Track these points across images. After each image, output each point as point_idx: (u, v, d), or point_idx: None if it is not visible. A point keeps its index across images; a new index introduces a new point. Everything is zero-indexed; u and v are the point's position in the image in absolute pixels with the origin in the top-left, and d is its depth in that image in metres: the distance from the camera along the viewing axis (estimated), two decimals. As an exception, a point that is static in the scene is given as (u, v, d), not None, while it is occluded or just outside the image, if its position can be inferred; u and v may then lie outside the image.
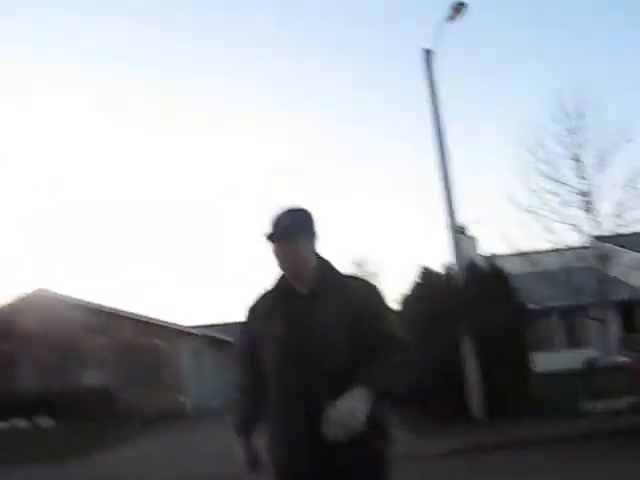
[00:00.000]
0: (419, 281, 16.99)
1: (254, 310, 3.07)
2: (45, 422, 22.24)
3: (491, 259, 16.55)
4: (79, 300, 24.92)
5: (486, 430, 12.82)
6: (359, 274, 42.26)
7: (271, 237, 2.90)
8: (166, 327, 24.86)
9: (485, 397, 14.37)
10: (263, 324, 2.95)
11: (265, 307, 3.00)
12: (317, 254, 3.00)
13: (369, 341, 2.84)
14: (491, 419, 13.62)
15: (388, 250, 71.22)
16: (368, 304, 2.90)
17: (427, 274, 16.76)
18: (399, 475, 8.82)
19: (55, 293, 24.82)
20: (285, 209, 2.95)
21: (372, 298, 2.97)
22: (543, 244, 19.02)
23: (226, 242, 72.88)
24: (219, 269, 76.46)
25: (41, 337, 24.66)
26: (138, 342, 24.83)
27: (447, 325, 14.95)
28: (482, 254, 21.18)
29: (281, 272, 2.98)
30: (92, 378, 24.41)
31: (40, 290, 24.70)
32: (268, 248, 2.94)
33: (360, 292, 2.93)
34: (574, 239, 18.48)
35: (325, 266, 3.01)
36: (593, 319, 19.62)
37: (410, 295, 18.04)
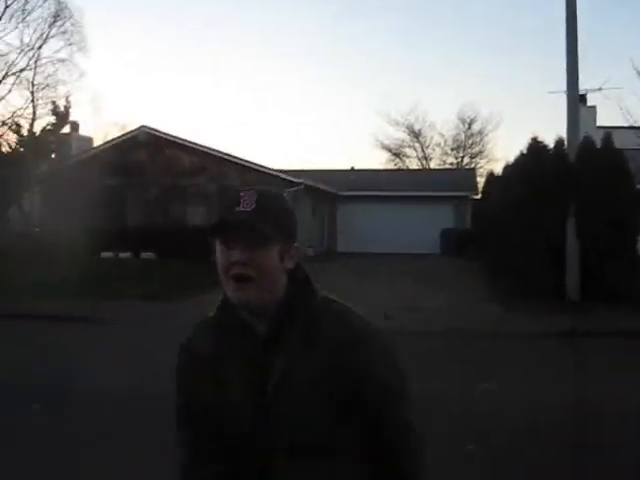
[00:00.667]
0: (527, 152, 16.33)
1: (191, 352, 1.89)
2: (149, 256, 23.35)
3: (609, 134, 15.61)
4: (185, 140, 25.36)
5: (581, 314, 12.59)
6: (462, 133, 40.43)
7: (223, 227, 1.76)
8: (268, 173, 25.12)
9: (584, 280, 14.09)
10: (205, 378, 1.82)
11: (207, 349, 1.83)
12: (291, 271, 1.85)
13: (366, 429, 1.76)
14: (588, 303, 13.38)
15: (500, 113, 69.02)
16: (374, 373, 1.76)
17: (537, 145, 16.07)
18: (480, 347, 8.96)
19: (162, 132, 25.29)
20: (250, 189, 1.82)
21: (381, 363, 1.79)
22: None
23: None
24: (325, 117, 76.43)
25: (148, 174, 25.57)
26: (241, 188, 25.26)
27: (553, 202, 14.54)
28: (600, 127, 20.12)
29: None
30: (195, 219, 25.29)
31: (148, 128, 25.19)
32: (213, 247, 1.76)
33: (361, 347, 1.75)
34: None
35: (300, 292, 1.83)
36: None
37: (515, 165, 17.51)
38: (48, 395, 6.70)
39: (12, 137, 26.71)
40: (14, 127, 25.84)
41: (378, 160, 62.31)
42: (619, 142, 15.77)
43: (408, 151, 51.97)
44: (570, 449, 5.08)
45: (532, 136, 16.29)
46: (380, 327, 1.84)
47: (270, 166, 25.98)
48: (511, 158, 19.60)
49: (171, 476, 1.90)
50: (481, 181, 31.52)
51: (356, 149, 77.28)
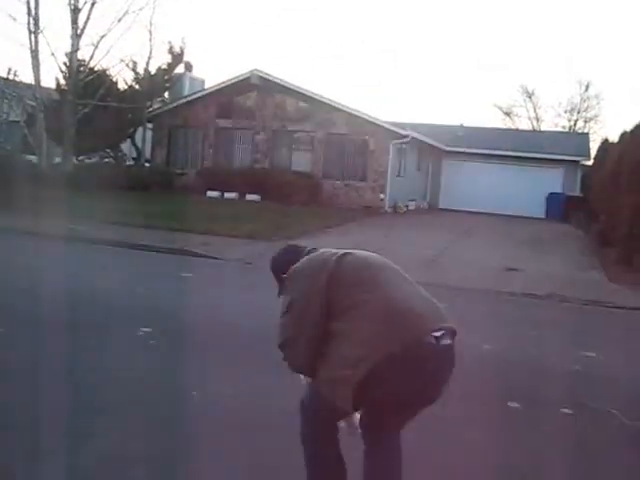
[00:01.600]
0: None
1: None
2: (253, 198, 23.88)
3: None
4: (295, 86, 25.52)
5: None
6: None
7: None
8: (377, 125, 25.06)
9: None
10: None
11: None
12: None
13: None
14: None
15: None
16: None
17: None
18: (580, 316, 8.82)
19: (273, 76, 25.51)
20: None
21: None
22: None
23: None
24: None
25: (257, 118, 25.98)
26: (349, 136, 25.41)
27: None
28: None
29: None
30: (301, 165, 25.63)
31: (259, 72, 25.44)
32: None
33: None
34: None
35: None
36: None
37: (633, 134, 16.91)
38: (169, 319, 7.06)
39: (129, 74, 27.52)
40: (131, 65, 26.56)
41: (488, 118, 61.24)
42: None
43: (520, 111, 50.79)
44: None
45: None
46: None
47: (377, 116, 25.88)
48: (628, 127, 18.85)
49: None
50: (594, 147, 30.46)
51: (467, 106, 75.69)
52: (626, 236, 15.02)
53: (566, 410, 4.98)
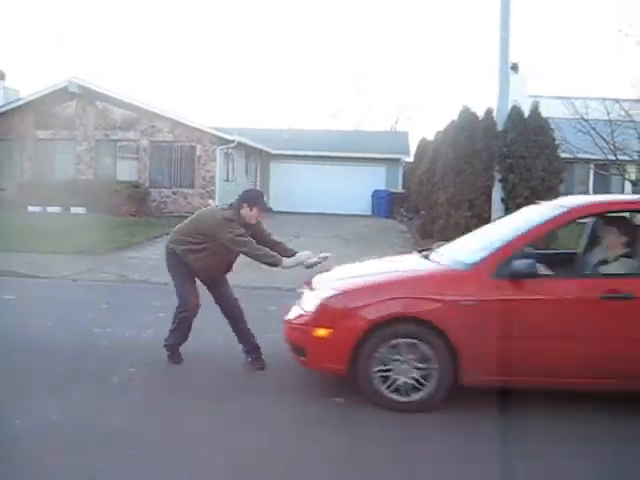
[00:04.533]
0: (458, 120, 17.01)
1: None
2: (78, 211, 23.34)
3: (536, 104, 16.38)
4: (117, 94, 25.22)
5: None
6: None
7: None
8: (202, 131, 25.27)
9: None
10: None
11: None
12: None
13: None
14: None
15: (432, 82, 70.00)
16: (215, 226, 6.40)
17: (467, 114, 16.76)
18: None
19: (93, 84, 25.08)
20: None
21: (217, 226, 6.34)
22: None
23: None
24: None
25: (78, 127, 25.44)
26: (175, 143, 25.43)
27: (480, 169, 15.31)
28: (529, 96, 20.90)
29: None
30: (127, 174, 25.38)
31: (77, 80, 24.90)
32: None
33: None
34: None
35: None
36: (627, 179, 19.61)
37: (446, 133, 18.20)
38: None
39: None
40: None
41: (316, 119, 62.80)
42: (548, 111, 16.49)
43: (349, 111, 52.71)
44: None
45: (464, 105, 16.97)
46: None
47: (203, 122, 26.09)
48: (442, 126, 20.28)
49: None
50: (413, 144, 32.25)
51: (295, 108, 77.06)
52: (443, 229, 16.23)
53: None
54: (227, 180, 26.13)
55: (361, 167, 30.92)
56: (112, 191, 23.53)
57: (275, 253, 6.30)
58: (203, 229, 6.37)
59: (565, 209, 5.72)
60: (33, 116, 25.59)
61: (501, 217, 14.78)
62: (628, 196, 9.85)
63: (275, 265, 6.24)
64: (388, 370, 5.33)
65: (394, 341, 5.32)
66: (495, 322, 5.24)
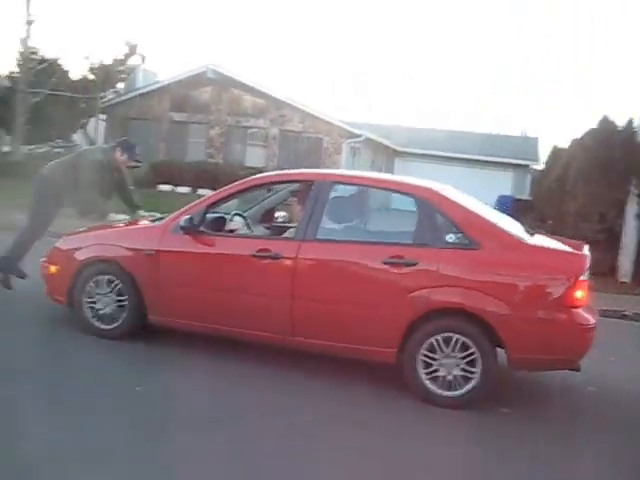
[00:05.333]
0: (596, 128, 16.48)
1: None
2: (205, 193, 23.88)
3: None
4: (251, 82, 25.79)
5: (632, 297, 12.80)
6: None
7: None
8: (331, 123, 25.54)
9: (638, 263, 14.42)
10: None
11: None
12: None
13: None
14: (639, 286, 13.68)
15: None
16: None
17: (606, 122, 16.15)
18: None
19: (228, 71, 25.72)
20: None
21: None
22: None
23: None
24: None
25: (211, 112, 26.17)
26: (303, 134, 25.80)
27: (615, 181, 14.78)
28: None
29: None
30: (255, 160, 25.91)
31: (215, 67, 25.60)
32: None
33: None
34: None
35: None
36: None
37: (582, 141, 17.70)
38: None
39: (83, 64, 27.42)
40: (85, 55, 26.50)
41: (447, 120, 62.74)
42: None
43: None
44: None
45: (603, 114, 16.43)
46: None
47: (331, 115, 26.34)
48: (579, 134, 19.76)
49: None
50: (543, 151, 31.61)
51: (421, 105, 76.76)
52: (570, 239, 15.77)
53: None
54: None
55: (488, 171, 30.59)
56: (240, 176, 23.95)
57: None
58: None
59: (249, 179, 6.42)
60: (170, 99, 26.57)
61: (635, 233, 14.52)
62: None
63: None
64: (93, 302, 6.29)
65: (96, 278, 6.29)
66: (167, 270, 6.10)
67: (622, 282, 14.33)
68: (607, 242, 14.64)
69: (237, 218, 6.48)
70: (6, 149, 23.37)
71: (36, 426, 4.31)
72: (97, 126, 26.74)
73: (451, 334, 5.31)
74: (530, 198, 29.23)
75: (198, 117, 26.51)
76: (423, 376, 5.39)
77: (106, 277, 6.27)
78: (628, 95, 49.27)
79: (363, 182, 6.28)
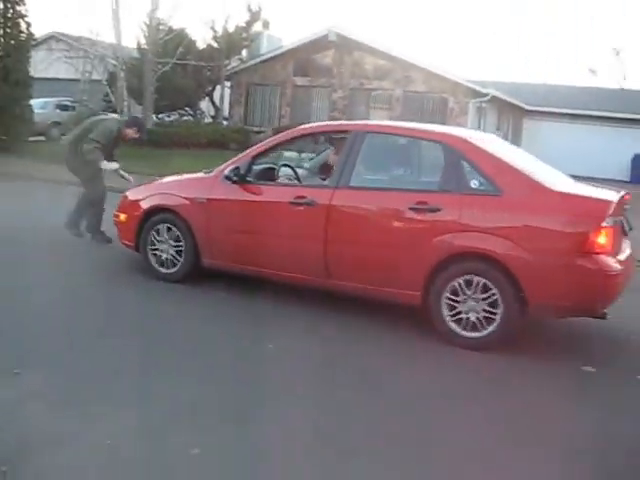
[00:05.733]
0: None
1: None
2: (330, 158, 24.43)
3: None
4: (373, 43, 25.85)
5: None
6: None
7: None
8: (456, 82, 25.24)
9: None
10: None
11: None
12: None
13: None
14: None
15: None
16: None
17: None
18: None
19: (350, 33, 25.88)
20: None
21: None
22: None
23: None
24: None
25: (334, 76, 26.51)
26: (427, 94, 25.66)
27: None
28: None
29: None
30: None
31: (336, 30, 25.83)
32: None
33: None
34: None
35: None
36: None
37: None
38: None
39: (208, 33, 28.42)
40: (209, 23, 27.44)
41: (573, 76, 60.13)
42: None
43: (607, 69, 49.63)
44: None
45: None
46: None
47: (456, 74, 26.01)
48: None
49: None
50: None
51: (550, 62, 74.01)
52: None
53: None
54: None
55: (623, 129, 29.20)
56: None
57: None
58: None
59: (290, 131, 6.78)
60: (293, 63, 27.11)
61: None
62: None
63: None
64: (155, 248, 6.96)
65: (159, 226, 6.92)
66: (215, 217, 6.61)
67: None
68: None
69: (285, 169, 6.84)
70: (138, 118, 24.72)
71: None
72: (222, 93, 27.71)
73: (472, 276, 5.50)
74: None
75: (321, 81, 26.88)
76: (447, 318, 5.62)
77: (167, 224, 6.89)
78: None
79: (394, 131, 6.52)
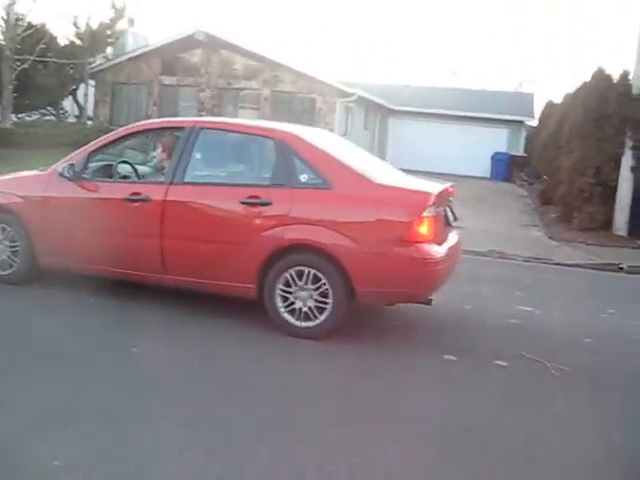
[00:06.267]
0: (590, 81, 16.36)
1: None
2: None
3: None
4: (242, 43, 25.90)
5: (628, 250, 13.01)
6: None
7: None
8: (324, 83, 25.62)
9: (633, 217, 14.51)
10: None
11: None
12: None
13: None
14: (635, 240, 13.85)
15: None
16: None
17: (601, 75, 15.99)
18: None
19: (218, 34, 25.84)
20: None
21: None
22: None
23: None
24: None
25: (202, 75, 26.39)
26: (296, 94, 25.90)
27: (610, 134, 14.76)
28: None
29: None
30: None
31: (203, 29, 25.72)
32: None
33: None
34: None
35: None
36: None
37: (576, 95, 17.62)
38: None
39: (70, 29, 27.67)
40: (72, 19, 26.75)
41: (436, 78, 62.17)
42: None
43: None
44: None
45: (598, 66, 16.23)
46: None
47: (324, 75, 26.43)
48: (571, 89, 19.65)
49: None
50: (537, 108, 31.43)
51: (414, 64, 76.20)
52: (565, 195, 15.86)
53: (500, 362, 5.60)
54: (345, 134, 26.46)
55: (482, 128, 30.56)
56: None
57: None
58: None
59: (126, 127, 6.86)
60: (160, 62, 26.82)
61: (630, 186, 14.52)
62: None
63: None
64: None
65: None
66: (52, 215, 6.52)
67: (618, 235, 14.45)
68: (602, 196, 14.72)
69: (123, 165, 6.84)
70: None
71: None
72: (87, 92, 27.09)
73: (302, 268, 5.69)
74: (525, 155, 29.31)
75: (189, 80, 26.72)
76: (282, 309, 5.78)
77: (2, 224, 6.75)
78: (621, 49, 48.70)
79: (227, 127, 6.60)
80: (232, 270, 5.91)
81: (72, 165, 6.38)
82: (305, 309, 5.71)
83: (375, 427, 4.21)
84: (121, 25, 28.60)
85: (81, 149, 6.66)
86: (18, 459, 3.54)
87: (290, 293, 5.74)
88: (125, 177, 6.80)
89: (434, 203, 5.66)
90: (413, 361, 5.52)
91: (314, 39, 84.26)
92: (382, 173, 6.17)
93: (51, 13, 41.12)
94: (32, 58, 23.18)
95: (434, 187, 5.96)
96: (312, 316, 5.71)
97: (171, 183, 6.10)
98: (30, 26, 24.16)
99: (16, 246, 6.69)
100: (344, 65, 74.15)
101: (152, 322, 5.97)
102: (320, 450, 3.86)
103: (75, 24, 27.02)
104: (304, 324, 5.74)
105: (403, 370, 5.30)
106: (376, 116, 30.88)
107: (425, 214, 5.55)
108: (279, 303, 5.78)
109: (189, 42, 26.06)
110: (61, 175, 6.41)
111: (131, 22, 29.43)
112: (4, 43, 23.59)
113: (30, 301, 6.37)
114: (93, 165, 6.59)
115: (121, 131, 6.72)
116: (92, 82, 27.28)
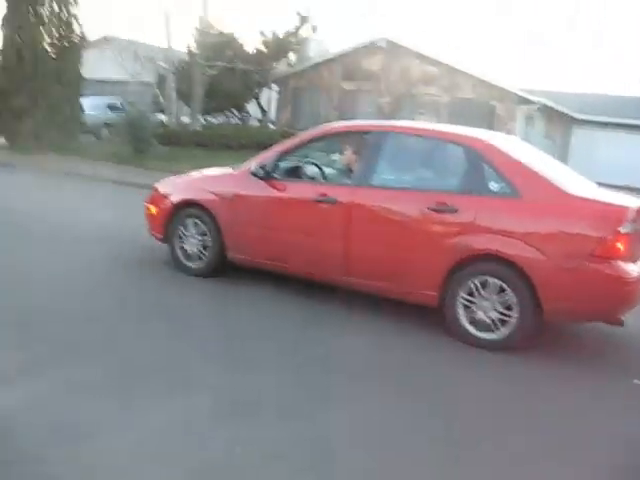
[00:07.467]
0: None
1: None
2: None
3: None
4: (422, 50, 25.89)
5: None
6: None
7: None
8: (504, 90, 25.13)
9: None
10: None
11: None
12: None
13: None
14: None
15: None
16: None
17: None
18: None
19: (399, 40, 25.97)
20: None
21: None
22: None
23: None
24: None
25: (382, 81, 26.58)
26: (475, 101, 25.58)
27: None
28: None
29: None
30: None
31: (385, 37, 25.96)
32: None
33: None
34: None
35: None
36: None
37: None
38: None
39: (257, 37, 28.75)
40: (258, 28, 27.79)
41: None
42: None
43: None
44: None
45: None
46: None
47: (505, 81, 25.91)
48: None
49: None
50: None
51: (598, 71, 72.84)
52: None
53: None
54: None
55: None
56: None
57: None
58: None
59: (315, 129, 7.02)
60: (341, 68, 27.27)
61: None
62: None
63: None
64: (183, 241, 7.21)
65: (187, 220, 7.16)
66: (241, 212, 6.81)
67: None
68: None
69: (310, 166, 7.01)
70: (186, 120, 25.15)
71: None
72: (270, 96, 28.01)
73: (487, 277, 5.59)
74: None
75: (368, 86, 27.01)
76: (463, 318, 5.72)
77: (194, 219, 7.12)
78: None
79: (417, 132, 6.54)
80: (415, 276, 5.91)
81: (264, 165, 6.63)
82: (487, 320, 5.62)
83: (559, 456, 4.02)
84: (304, 32, 29.32)
85: (270, 150, 6.88)
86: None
87: (472, 303, 5.67)
88: (312, 178, 6.98)
89: (633, 218, 5.40)
90: (598, 385, 5.27)
91: (489, 41, 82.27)
92: (575, 184, 5.94)
93: (241, 23, 42.86)
94: (221, 64, 24.31)
95: (633, 201, 5.68)
96: (494, 327, 5.61)
97: (359, 185, 6.19)
98: (221, 35, 25.34)
99: (206, 240, 7.04)
100: (522, 71, 72.57)
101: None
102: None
103: (262, 32, 28.03)
104: (484, 335, 5.65)
105: (586, 393, 5.08)
106: (558, 125, 29.84)
107: (622, 229, 5.29)
108: (460, 312, 5.73)
109: (370, 49, 26.37)
110: (253, 174, 6.67)
111: (314, 29, 30.10)
112: (197, 51, 24.93)
113: (262, 300, 6.54)
114: (282, 165, 6.80)
115: (309, 133, 6.90)
116: (275, 87, 28.20)
